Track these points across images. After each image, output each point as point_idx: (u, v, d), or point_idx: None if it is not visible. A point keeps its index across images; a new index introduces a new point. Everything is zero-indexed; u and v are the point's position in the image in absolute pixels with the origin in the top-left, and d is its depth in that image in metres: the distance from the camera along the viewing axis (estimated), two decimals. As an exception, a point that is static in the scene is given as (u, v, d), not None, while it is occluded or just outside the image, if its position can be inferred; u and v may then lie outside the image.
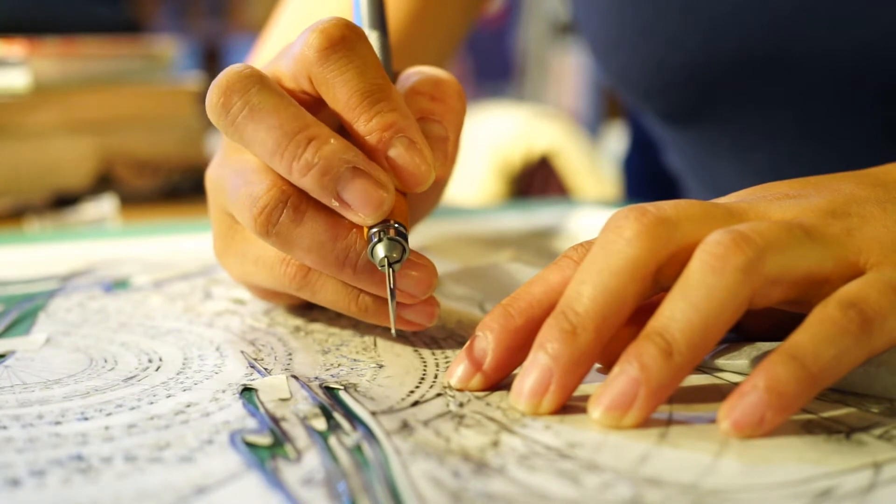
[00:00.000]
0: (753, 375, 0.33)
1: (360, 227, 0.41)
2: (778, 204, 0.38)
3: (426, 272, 0.42)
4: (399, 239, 0.40)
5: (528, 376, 0.35)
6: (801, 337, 0.33)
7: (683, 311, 0.34)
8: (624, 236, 0.36)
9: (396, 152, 0.41)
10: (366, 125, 0.41)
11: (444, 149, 0.44)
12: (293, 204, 0.41)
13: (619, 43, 0.73)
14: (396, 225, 0.41)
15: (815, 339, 0.33)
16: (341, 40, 0.41)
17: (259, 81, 0.41)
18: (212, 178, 0.47)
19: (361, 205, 0.40)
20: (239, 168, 0.43)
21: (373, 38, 0.47)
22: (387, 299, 0.41)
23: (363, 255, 0.41)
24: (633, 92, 0.77)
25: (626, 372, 0.34)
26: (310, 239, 0.41)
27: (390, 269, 0.41)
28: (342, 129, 0.42)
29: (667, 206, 0.37)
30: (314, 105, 0.43)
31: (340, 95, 0.41)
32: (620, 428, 0.34)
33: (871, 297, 0.34)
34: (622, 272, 0.35)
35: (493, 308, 0.39)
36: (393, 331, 0.41)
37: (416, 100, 0.44)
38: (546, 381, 0.35)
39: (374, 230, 0.40)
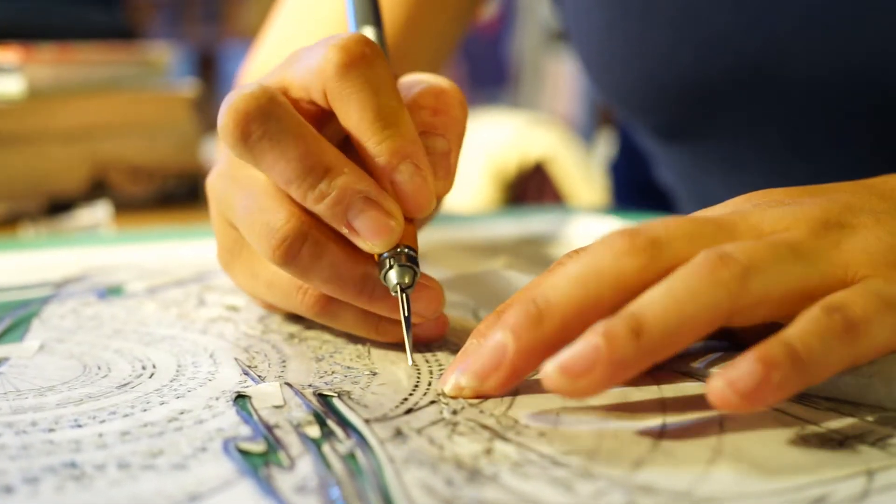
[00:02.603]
0: (745, 352, 0.33)
1: (373, 255, 0.42)
2: (771, 213, 0.38)
3: (434, 294, 0.43)
4: (410, 264, 0.41)
5: (481, 352, 0.36)
6: (789, 330, 0.33)
7: (663, 300, 0.34)
8: (614, 251, 0.36)
9: (402, 178, 0.41)
10: (375, 146, 0.41)
11: (447, 164, 0.44)
12: (313, 238, 0.41)
13: (611, 60, 0.73)
14: (407, 250, 0.41)
15: (804, 332, 0.33)
16: (361, 58, 0.41)
17: (278, 109, 0.40)
18: (216, 189, 0.47)
19: (371, 234, 0.40)
20: (249, 187, 0.43)
21: (367, 33, 0.47)
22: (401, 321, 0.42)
23: (379, 282, 0.42)
24: (626, 108, 0.78)
25: (589, 340, 0.33)
26: (329, 270, 0.41)
27: (403, 295, 0.41)
28: (347, 142, 0.42)
29: (658, 227, 0.37)
30: (320, 117, 0.43)
31: (353, 113, 0.41)
32: (571, 396, 0.33)
33: (857, 302, 0.34)
34: (605, 278, 0.35)
35: (487, 315, 0.39)
36: (409, 360, 0.42)
37: (419, 113, 0.44)
38: (498, 360, 0.35)
39: (386, 256, 0.41)
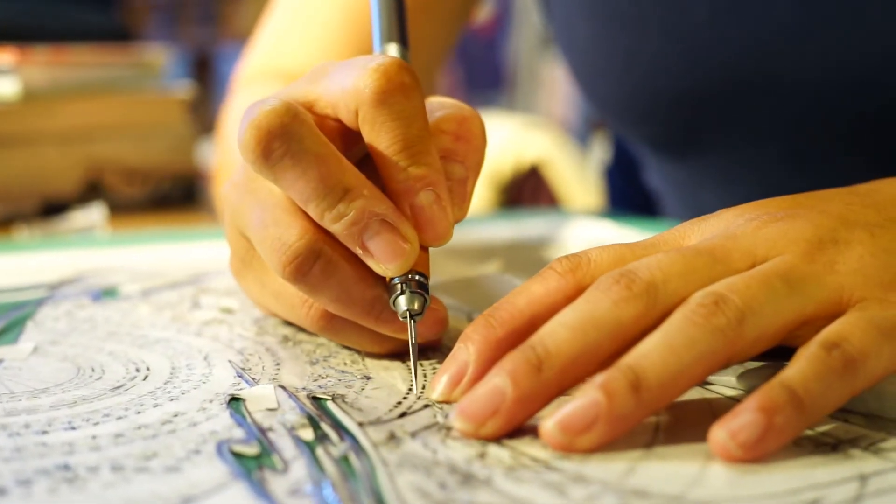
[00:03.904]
0: (746, 400, 0.33)
1: (383, 278, 0.42)
2: (764, 234, 0.38)
3: (439, 317, 0.43)
4: (420, 291, 0.41)
5: (478, 396, 0.35)
6: (789, 371, 0.34)
7: (661, 352, 0.34)
8: (611, 298, 0.36)
9: (422, 204, 0.41)
10: (400, 173, 0.41)
11: (463, 191, 0.44)
12: (325, 256, 0.41)
13: (599, 72, 0.72)
14: (417, 277, 0.41)
15: (804, 373, 0.33)
16: (400, 87, 0.40)
17: (300, 127, 0.39)
18: (231, 200, 0.46)
19: (386, 257, 0.40)
20: (265, 200, 0.43)
21: (392, 49, 0.47)
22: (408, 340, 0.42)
23: (386, 304, 0.42)
24: (618, 120, 0.77)
25: (589, 395, 0.33)
26: (338, 290, 0.41)
27: (412, 322, 0.41)
28: (366, 160, 0.42)
29: (653, 267, 0.36)
30: (343, 134, 0.43)
31: (384, 139, 0.41)
32: (570, 451, 0.33)
33: (854, 336, 0.34)
34: (603, 326, 0.35)
35: (476, 319, 0.39)
36: (416, 390, 0.40)
37: (440, 138, 0.44)
38: (496, 406, 0.35)
39: (397, 282, 0.41)
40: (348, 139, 0.43)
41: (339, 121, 0.43)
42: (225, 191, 0.46)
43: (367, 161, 0.42)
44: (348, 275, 0.41)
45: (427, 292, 0.41)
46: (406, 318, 0.41)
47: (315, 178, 0.39)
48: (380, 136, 0.41)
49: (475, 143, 0.45)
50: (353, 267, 0.41)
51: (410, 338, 0.41)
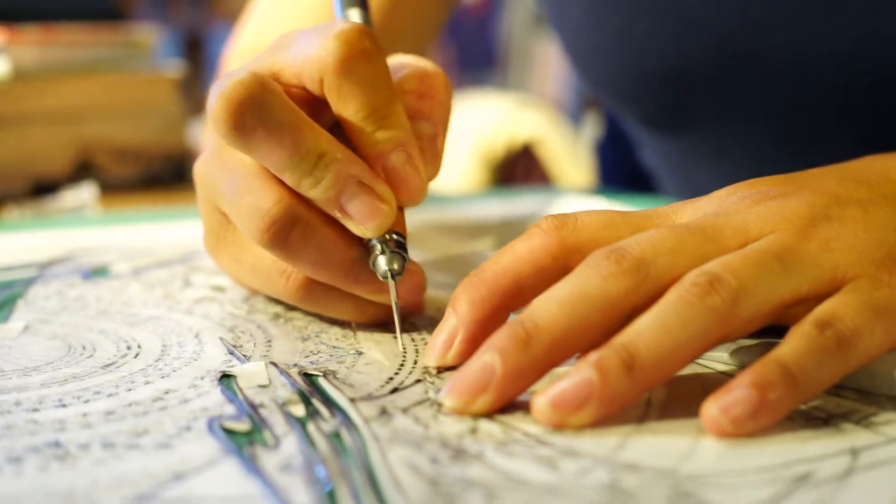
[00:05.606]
0: (739, 376, 0.33)
1: (361, 239, 0.42)
2: (756, 211, 0.38)
3: (418, 280, 0.44)
4: (399, 251, 0.41)
5: (468, 372, 0.35)
6: (782, 349, 0.34)
7: (654, 331, 0.33)
8: (600, 273, 0.35)
9: (394, 165, 0.41)
10: (369, 137, 0.41)
11: (434, 148, 0.44)
12: (303, 219, 0.41)
13: (594, 50, 0.72)
14: (396, 237, 0.41)
15: (797, 351, 0.33)
16: (362, 53, 0.41)
17: (271, 97, 0.39)
18: (203, 174, 0.46)
19: (364, 217, 0.41)
20: (237, 170, 0.43)
21: (353, 14, 0.47)
22: (389, 305, 0.42)
23: (364, 265, 0.42)
24: (610, 97, 0.77)
25: (582, 373, 0.33)
26: (317, 253, 0.41)
27: (393, 281, 0.41)
28: (337, 126, 0.42)
29: (643, 243, 0.36)
30: (311, 102, 0.43)
31: (351, 106, 0.41)
32: (563, 428, 0.33)
33: (847, 315, 0.34)
34: (593, 302, 0.35)
35: (462, 281, 0.39)
36: (400, 345, 0.41)
37: (404, 98, 0.44)
38: (485, 382, 0.34)
39: (375, 242, 0.41)
40: (316, 107, 0.43)
41: (305, 89, 0.43)
42: (197, 166, 0.47)
43: (337, 127, 0.42)
44: (327, 237, 0.41)
45: (406, 252, 0.42)
46: (387, 277, 0.41)
47: (289, 146, 0.40)
48: (346, 104, 0.41)
49: (439, 98, 0.45)
50: (331, 229, 0.42)
51: (393, 297, 0.42)
